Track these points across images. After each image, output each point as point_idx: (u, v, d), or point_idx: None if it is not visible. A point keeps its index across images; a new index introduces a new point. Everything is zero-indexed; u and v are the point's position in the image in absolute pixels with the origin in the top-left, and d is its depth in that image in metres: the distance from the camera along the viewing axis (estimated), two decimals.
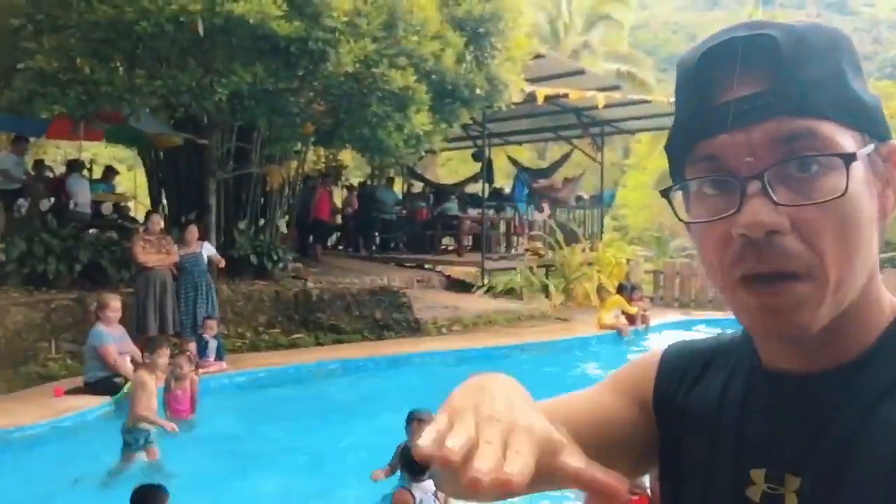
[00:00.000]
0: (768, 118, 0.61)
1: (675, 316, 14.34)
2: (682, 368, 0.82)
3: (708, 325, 11.44)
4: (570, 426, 0.71)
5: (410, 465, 3.80)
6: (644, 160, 25.00)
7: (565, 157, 18.23)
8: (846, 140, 0.62)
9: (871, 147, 0.64)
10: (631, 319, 12.02)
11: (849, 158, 0.61)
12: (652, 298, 15.06)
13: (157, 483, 3.77)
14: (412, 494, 3.77)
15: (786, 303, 0.62)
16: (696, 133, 0.65)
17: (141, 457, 5.53)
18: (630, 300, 12.26)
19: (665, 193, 0.70)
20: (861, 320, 0.67)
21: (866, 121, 0.64)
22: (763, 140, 0.62)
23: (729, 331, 0.85)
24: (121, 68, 8.13)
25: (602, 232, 17.04)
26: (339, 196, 16.43)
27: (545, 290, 13.68)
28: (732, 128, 0.62)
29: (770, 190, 0.60)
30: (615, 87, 14.92)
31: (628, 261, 15.30)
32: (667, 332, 13.30)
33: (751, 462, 0.70)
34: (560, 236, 14.35)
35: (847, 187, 0.60)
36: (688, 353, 0.84)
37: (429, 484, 3.74)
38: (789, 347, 0.68)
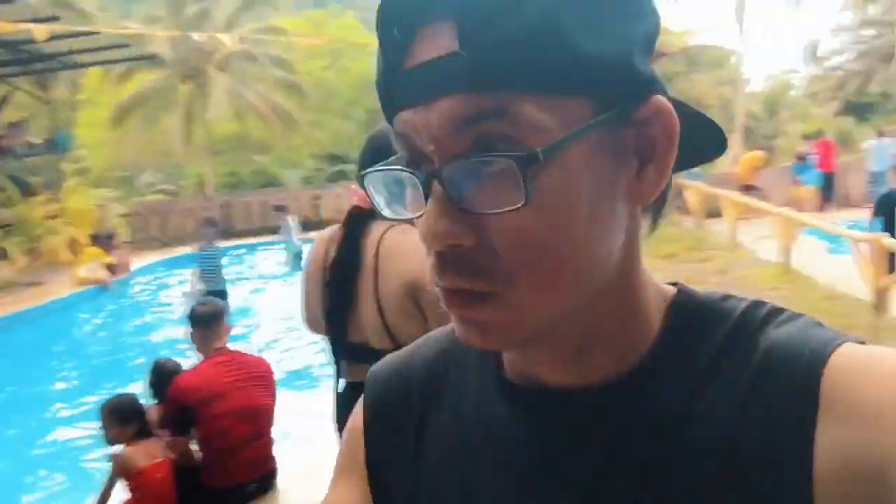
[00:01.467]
0: (449, 92, 0.47)
1: (156, 256, 14.21)
2: (391, 409, 0.67)
3: (189, 261, 11.52)
4: None
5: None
6: (97, 95, 23.25)
7: (3, 99, 15.90)
8: (554, 117, 0.46)
9: (599, 119, 0.48)
10: (112, 269, 11.55)
11: (525, 161, 0.46)
12: (132, 242, 14.59)
13: None
14: None
15: (479, 322, 0.51)
16: (387, 103, 0.52)
17: None
18: (107, 249, 11.72)
19: (361, 181, 0.55)
20: (628, 323, 0.56)
21: (602, 82, 0.48)
22: (443, 122, 0.48)
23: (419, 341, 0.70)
24: None
25: (62, 179, 15.57)
26: None
27: (3, 253, 12.07)
28: (414, 103, 0.49)
29: (448, 192, 0.48)
30: (54, 18, 13.47)
31: (98, 206, 14.43)
32: (150, 276, 13.14)
33: (526, 501, 0.57)
34: (13, 190, 12.68)
35: (527, 196, 0.46)
36: (394, 383, 0.68)
37: None
38: (545, 362, 0.57)
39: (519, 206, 0.47)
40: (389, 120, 0.53)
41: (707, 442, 0.52)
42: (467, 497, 0.60)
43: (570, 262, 0.50)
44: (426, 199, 0.49)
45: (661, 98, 0.50)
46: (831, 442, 0.48)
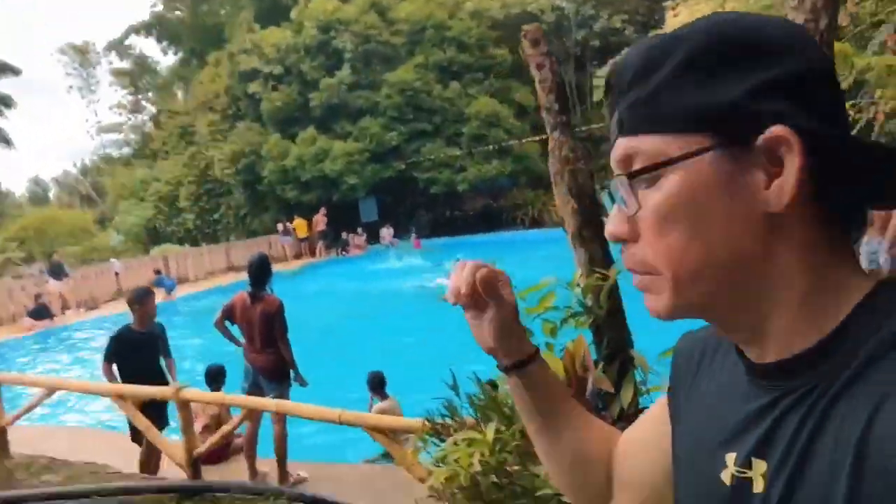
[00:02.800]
0: (618, 136, 0.68)
1: None
2: (689, 355, 0.85)
3: None
4: (632, 445, 0.91)
5: None
6: None
7: None
8: (676, 148, 0.62)
9: (707, 146, 0.62)
10: None
11: (629, 176, 0.65)
12: None
13: None
14: None
15: (643, 288, 0.69)
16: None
17: None
18: None
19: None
20: (801, 314, 0.64)
21: (715, 121, 0.61)
22: (614, 155, 0.68)
23: None
24: None
25: None
26: None
27: None
28: (612, 141, 0.70)
29: (616, 201, 0.68)
30: None
31: None
32: None
33: (727, 446, 0.70)
34: None
35: (639, 204, 0.65)
36: (697, 338, 0.85)
37: None
38: (737, 340, 0.71)
39: (635, 211, 0.66)
40: None
41: (846, 436, 0.56)
42: (706, 422, 0.76)
43: (680, 258, 0.64)
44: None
45: (779, 128, 0.59)
46: None
